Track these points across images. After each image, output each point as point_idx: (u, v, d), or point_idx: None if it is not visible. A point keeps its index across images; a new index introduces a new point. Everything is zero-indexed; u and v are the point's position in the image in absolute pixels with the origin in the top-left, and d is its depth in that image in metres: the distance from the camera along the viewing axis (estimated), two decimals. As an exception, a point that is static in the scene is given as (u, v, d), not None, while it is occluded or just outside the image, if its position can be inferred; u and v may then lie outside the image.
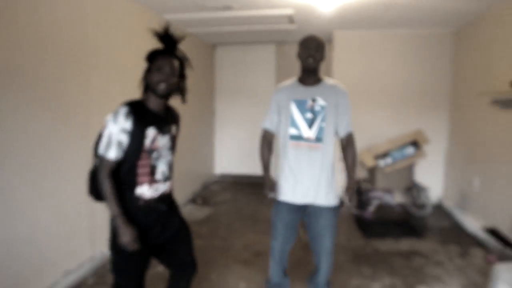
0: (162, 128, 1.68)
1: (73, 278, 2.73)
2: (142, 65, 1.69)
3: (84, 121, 2.79)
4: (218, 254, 3.31)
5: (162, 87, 1.61)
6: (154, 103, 1.67)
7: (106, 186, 1.57)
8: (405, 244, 3.57)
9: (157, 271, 2.85)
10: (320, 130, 2.06)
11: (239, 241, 3.64)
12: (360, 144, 2.61)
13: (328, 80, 2.14)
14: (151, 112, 1.66)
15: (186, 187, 4.96)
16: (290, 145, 2.10)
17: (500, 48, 3.43)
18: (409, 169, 4.31)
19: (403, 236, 3.77)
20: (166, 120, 1.73)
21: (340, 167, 2.34)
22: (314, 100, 2.06)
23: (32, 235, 2.37)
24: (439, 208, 4.67)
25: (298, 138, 2.08)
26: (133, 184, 1.63)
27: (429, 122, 4.71)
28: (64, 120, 2.62)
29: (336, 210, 2.15)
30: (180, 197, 4.59)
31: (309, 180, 2.07)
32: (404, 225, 4.12)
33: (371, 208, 4.34)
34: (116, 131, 1.55)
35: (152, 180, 1.66)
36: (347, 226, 4.02)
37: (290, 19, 4.07)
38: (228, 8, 3.66)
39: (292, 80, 2.18)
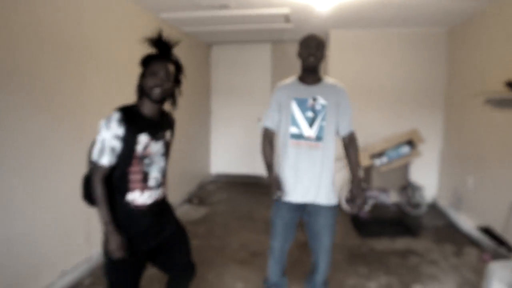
0: (156, 134, 1.66)
1: (70, 278, 2.71)
2: (139, 66, 1.68)
3: (81, 122, 2.78)
4: (215, 254, 3.31)
5: (156, 92, 1.59)
6: (148, 108, 1.65)
7: (98, 192, 1.56)
8: (401, 243, 3.60)
9: (153, 272, 2.83)
10: (321, 129, 2.06)
11: (235, 240, 3.64)
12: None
13: (328, 79, 2.15)
14: (144, 118, 1.64)
15: (182, 187, 4.95)
16: (290, 143, 2.09)
17: (494, 48, 3.46)
18: (404, 168, 4.33)
19: (398, 235, 3.79)
20: (161, 126, 1.71)
21: (338, 166, 2.34)
22: (315, 99, 2.06)
23: (29, 235, 2.36)
24: (433, 207, 4.71)
25: (299, 137, 2.07)
26: (125, 190, 1.62)
27: (424, 121, 4.74)
28: (62, 121, 2.61)
29: (335, 209, 2.16)
30: (176, 197, 4.59)
31: (309, 179, 2.08)
32: (399, 224, 4.14)
33: (367, 207, 4.36)
34: (109, 137, 1.54)
35: (145, 187, 1.64)
36: (342, 225, 4.03)
37: (286, 18, 4.07)
38: (224, 7, 3.65)
39: (292, 79, 2.18)
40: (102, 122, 1.55)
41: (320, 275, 2.18)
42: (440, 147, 4.79)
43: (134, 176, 1.62)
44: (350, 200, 2.21)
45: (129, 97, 1.71)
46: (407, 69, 4.77)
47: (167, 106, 1.76)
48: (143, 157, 1.61)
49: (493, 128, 3.45)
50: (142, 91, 1.63)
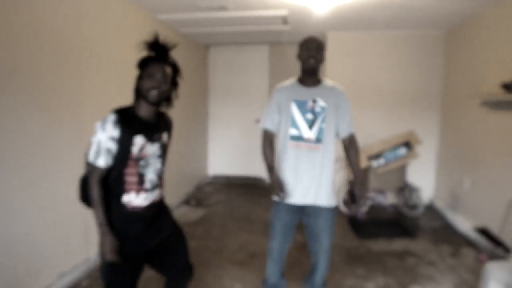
0: (152, 136, 1.66)
1: (68, 280, 2.71)
2: (136, 68, 1.68)
3: (80, 123, 2.78)
4: (213, 255, 3.31)
5: (153, 94, 1.59)
6: (144, 110, 1.65)
7: (95, 193, 1.57)
8: (398, 244, 3.61)
9: (150, 274, 2.83)
10: (320, 131, 2.07)
11: (233, 242, 3.64)
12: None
13: (327, 82, 2.16)
14: (140, 120, 1.64)
15: (180, 188, 4.94)
16: (290, 145, 2.10)
17: (491, 50, 3.49)
18: (402, 169, 4.35)
19: (395, 236, 3.80)
20: (158, 128, 1.71)
21: (336, 168, 2.35)
22: (314, 101, 2.07)
23: (28, 236, 2.35)
24: (430, 209, 4.73)
25: (299, 138, 2.08)
26: (121, 191, 1.62)
27: (421, 123, 4.77)
28: (61, 122, 2.61)
29: (334, 210, 2.17)
30: (174, 199, 4.58)
31: (309, 181, 2.08)
32: (397, 226, 4.15)
33: (364, 209, 4.37)
34: (104, 139, 1.54)
35: (140, 189, 1.64)
36: (340, 226, 4.04)
37: (284, 20, 4.08)
38: (222, 8, 3.66)
39: (291, 81, 2.19)
40: (98, 124, 1.56)
41: (319, 276, 2.19)
42: (437, 149, 4.81)
43: (130, 178, 1.62)
44: (352, 201, 2.22)
45: (129, 97, 1.71)
46: (405, 71, 4.80)
47: (162, 107, 1.76)
48: (139, 158, 1.62)
49: (490, 129, 3.47)
50: (139, 93, 1.63)
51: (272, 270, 2.24)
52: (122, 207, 1.62)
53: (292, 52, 5.64)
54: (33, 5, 2.32)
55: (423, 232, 3.93)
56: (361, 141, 4.52)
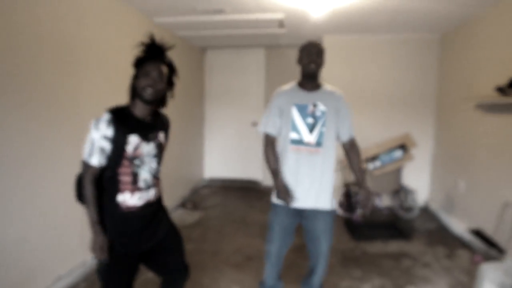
0: (147, 135, 1.66)
1: (65, 283, 2.69)
2: (132, 67, 1.69)
3: (77, 125, 2.77)
4: (209, 258, 3.31)
5: (149, 92, 1.59)
6: (140, 110, 1.66)
7: (88, 192, 1.59)
8: (393, 246, 3.63)
9: (147, 277, 2.83)
10: (321, 135, 2.09)
11: (230, 244, 3.64)
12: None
13: (326, 86, 2.18)
14: (135, 119, 1.65)
15: (176, 191, 4.94)
16: (290, 149, 2.11)
17: (484, 53, 3.53)
18: (397, 172, 4.37)
19: (391, 238, 3.83)
20: (153, 127, 1.71)
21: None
22: (315, 105, 2.09)
23: (24, 239, 2.34)
24: (425, 211, 4.76)
25: (299, 142, 2.09)
26: (115, 191, 1.62)
27: (416, 125, 4.81)
28: (58, 124, 2.61)
29: (333, 213, 2.18)
30: (170, 202, 4.57)
31: (309, 184, 2.09)
32: (392, 228, 4.17)
33: (359, 211, 4.39)
34: (98, 138, 1.55)
35: (135, 188, 1.65)
36: (336, 229, 4.05)
37: (281, 23, 4.11)
38: (219, 11, 3.68)
39: (291, 85, 2.20)
40: (92, 123, 1.57)
41: (317, 278, 2.21)
42: (432, 151, 4.85)
43: (124, 178, 1.62)
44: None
45: (125, 99, 1.72)
46: (400, 74, 4.84)
47: (156, 107, 1.76)
48: (133, 157, 1.62)
49: (484, 132, 3.51)
50: (135, 92, 1.64)
51: (269, 273, 2.24)
52: (118, 207, 1.63)
53: (288, 55, 5.68)
54: (33, 6, 2.34)
55: (419, 234, 3.96)
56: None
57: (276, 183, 2.14)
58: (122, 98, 1.75)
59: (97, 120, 1.56)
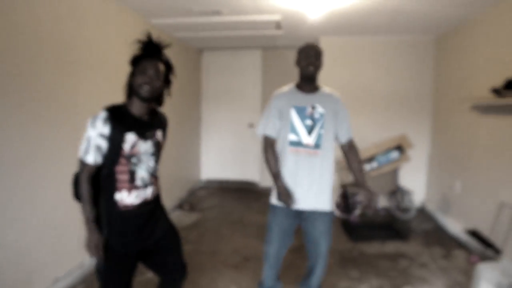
0: (144, 134, 1.66)
1: (63, 285, 2.68)
2: (129, 65, 1.69)
3: (75, 126, 2.76)
4: (208, 259, 3.30)
5: (145, 89, 1.59)
6: (137, 108, 1.66)
7: (84, 189, 1.59)
8: (391, 246, 3.65)
9: (147, 277, 2.82)
10: (319, 137, 2.10)
11: (228, 245, 3.64)
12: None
13: (324, 88, 2.20)
14: (132, 117, 1.65)
15: (173, 193, 4.93)
16: (289, 151, 2.11)
17: (480, 55, 3.56)
18: (394, 173, 4.39)
19: (388, 239, 3.84)
20: (151, 125, 1.71)
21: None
22: (313, 107, 2.10)
23: (22, 242, 2.33)
24: (422, 211, 4.78)
25: (298, 144, 2.10)
26: (113, 189, 1.62)
27: (413, 127, 4.84)
28: (56, 125, 2.60)
29: (332, 214, 2.19)
30: (167, 204, 4.53)
31: (308, 186, 2.10)
32: (389, 228, 4.19)
33: (357, 212, 4.40)
34: (94, 136, 1.55)
35: (132, 187, 1.64)
36: (333, 229, 4.03)
37: (278, 25, 4.12)
38: (217, 13, 3.68)
39: (290, 87, 2.21)
40: (89, 121, 1.57)
41: (316, 279, 2.22)
42: (428, 152, 4.88)
43: (121, 176, 1.62)
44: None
45: (122, 100, 1.72)
46: (396, 76, 4.87)
47: (153, 105, 1.76)
48: (130, 156, 1.62)
49: (480, 133, 3.54)
50: (131, 89, 1.64)
51: (268, 274, 2.24)
52: (115, 205, 1.63)
53: (285, 56, 5.70)
54: (33, 6, 2.34)
55: (415, 235, 3.98)
56: (353, 144, 4.61)
57: (277, 186, 2.11)
58: (121, 98, 1.75)
59: (94, 118, 1.56)
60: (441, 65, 4.55)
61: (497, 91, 2.99)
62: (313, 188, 2.10)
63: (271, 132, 2.17)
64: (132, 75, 1.64)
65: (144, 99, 1.62)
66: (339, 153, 2.32)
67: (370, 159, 4.25)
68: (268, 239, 2.20)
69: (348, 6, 3.45)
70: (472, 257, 3.25)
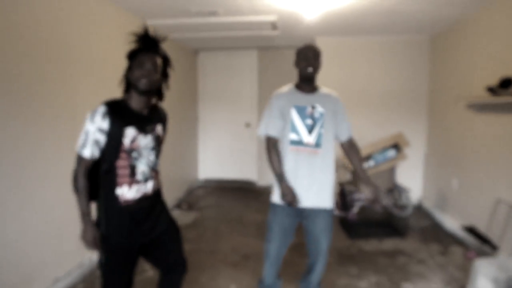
0: (144, 128, 1.66)
1: (62, 285, 2.69)
2: (126, 60, 1.69)
3: (76, 125, 2.76)
4: (207, 258, 3.32)
5: (143, 82, 1.59)
6: (136, 102, 1.66)
7: (80, 183, 1.60)
8: (389, 243, 3.68)
9: (147, 277, 2.83)
10: (320, 136, 2.12)
11: (226, 244, 3.66)
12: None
13: (323, 89, 2.23)
14: (132, 111, 1.65)
15: (171, 192, 4.92)
16: (289, 150, 2.13)
17: (475, 54, 3.59)
18: (391, 171, 4.43)
19: (386, 236, 3.87)
20: (151, 120, 1.71)
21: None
22: (313, 107, 2.13)
23: (21, 242, 2.34)
24: (419, 209, 4.82)
25: (298, 143, 2.12)
26: (113, 184, 1.62)
27: (409, 125, 4.87)
28: (54, 126, 2.61)
29: (332, 212, 2.21)
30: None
31: (309, 184, 2.12)
32: (387, 226, 4.22)
33: (355, 210, 4.43)
34: (93, 130, 1.56)
35: (132, 181, 1.65)
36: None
37: (273, 25, 4.14)
38: (213, 14, 3.70)
39: (289, 87, 2.23)
40: (88, 115, 1.57)
41: (316, 276, 2.24)
42: (425, 150, 4.92)
43: (122, 171, 1.62)
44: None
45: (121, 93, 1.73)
46: (392, 75, 4.90)
47: (153, 100, 1.77)
48: (131, 150, 1.62)
49: (475, 131, 3.57)
50: (129, 83, 1.64)
51: (268, 272, 2.26)
52: (116, 200, 1.63)
53: (281, 56, 5.72)
54: (33, 7, 2.36)
55: (413, 232, 4.01)
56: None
57: (282, 186, 2.10)
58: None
59: (93, 112, 1.56)
60: (437, 64, 4.59)
61: (492, 90, 3.02)
62: (314, 187, 2.12)
63: (274, 132, 2.17)
64: (129, 69, 1.64)
65: (142, 92, 1.62)
66: (337, 152, 2.34)
67: (367, 158, 4.27)
68: (269, 237, 2.21)
69: (344, 6, 3.48)
70: (469, 253, 3.28)
